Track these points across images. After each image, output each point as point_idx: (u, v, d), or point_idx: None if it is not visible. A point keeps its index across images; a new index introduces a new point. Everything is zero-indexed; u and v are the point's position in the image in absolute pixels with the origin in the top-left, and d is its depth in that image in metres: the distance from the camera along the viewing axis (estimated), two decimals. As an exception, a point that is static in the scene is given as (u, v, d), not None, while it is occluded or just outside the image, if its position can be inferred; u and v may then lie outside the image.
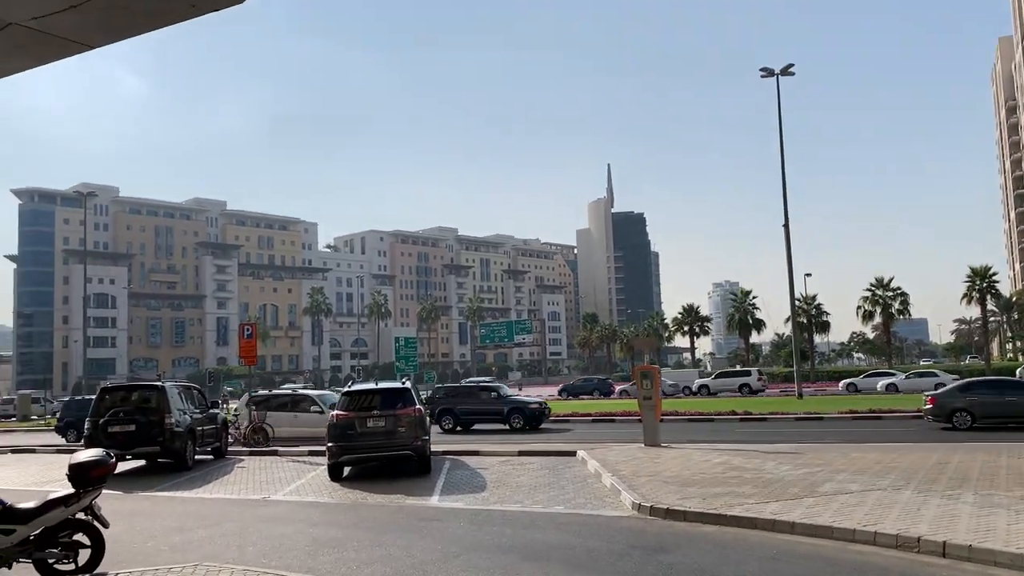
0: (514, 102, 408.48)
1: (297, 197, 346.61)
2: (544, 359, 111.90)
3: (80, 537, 8.23)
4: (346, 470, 15.90)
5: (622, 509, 11.26)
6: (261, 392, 25.69)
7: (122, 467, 18.24)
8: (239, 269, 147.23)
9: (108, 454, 8.36)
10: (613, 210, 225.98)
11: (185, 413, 18.22)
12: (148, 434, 17.01)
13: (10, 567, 7.92)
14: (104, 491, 15.54)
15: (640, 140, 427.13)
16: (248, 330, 23.02)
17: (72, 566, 8.11)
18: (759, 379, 52.57)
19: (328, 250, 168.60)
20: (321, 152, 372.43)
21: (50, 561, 8.05)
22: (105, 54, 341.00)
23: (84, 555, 8.18)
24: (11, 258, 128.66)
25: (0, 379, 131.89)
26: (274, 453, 20.61)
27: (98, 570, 8.19)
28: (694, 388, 53.05)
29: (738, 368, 64.61)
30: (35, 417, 50.32)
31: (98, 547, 8.23)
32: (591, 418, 31.69)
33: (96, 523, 8.23)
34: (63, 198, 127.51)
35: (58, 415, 36.14)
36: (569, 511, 11.33)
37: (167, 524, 11.32)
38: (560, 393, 59.70)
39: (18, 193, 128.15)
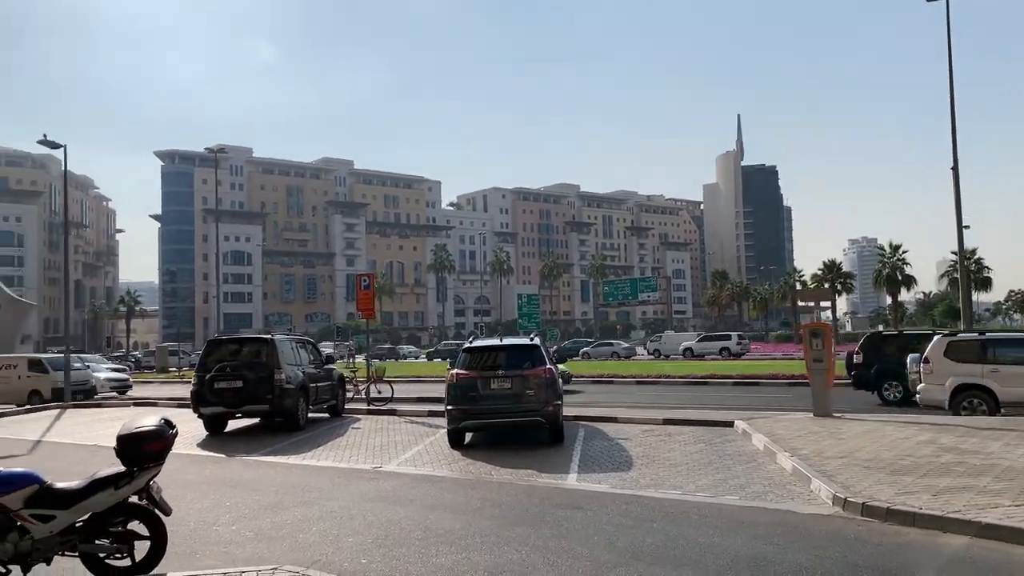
0: (638, 53, 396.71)
1: (421, 156, 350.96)
2: (669, 317, 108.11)
3: (136, 526, 6.53)
4: (467, 436, 14.01)
5: (817, 504, 8.75)
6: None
7: (232, 425, 17.12)
8: (366, 227, 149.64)
9: (167, 424, 6.56)
10: (743, 163, 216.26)
11: (297, 368, 16.81)
12: (257, 391, 15.67)
13: (49, 562, 6.29)
14: (205, 453, 14.48)
15: (772, 89, 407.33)
16: (366, 281, 21.50)
17: (128, 561, 6.43)
18: (739, 343, 55.04)
19: (451, 208, 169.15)
20: (444, 111, 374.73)
21: (100, 555, 6.39)
22: (240, 24, 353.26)
23: (142, 548, 6.49)
24: (155, 217, 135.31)
25: (149, 332, 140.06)
26: (392, 413, 19.08)
27: (158, 570, 6.48)
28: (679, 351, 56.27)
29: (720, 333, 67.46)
30: (172, 369, 51.70)
31: (158, 538, 6.50)
32: (732, 380, 28.79)
33: (155, 509, 6.51)
34: (201, 159, 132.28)
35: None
36: (745, 503, 8.93)
37: (262, 500, 9.66)
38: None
39: (161, 155, 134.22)
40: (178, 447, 14.52)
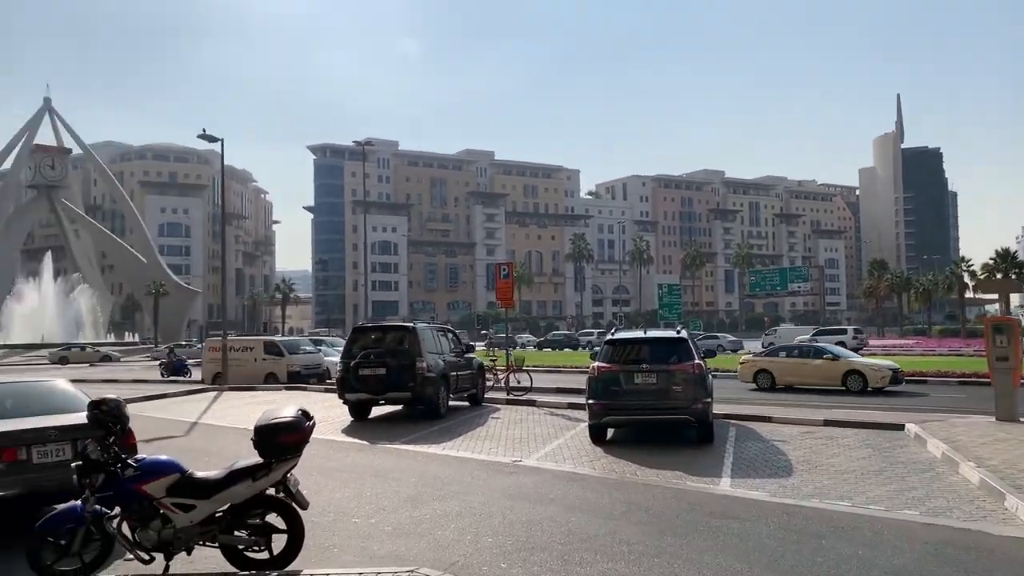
0: (784, 29, 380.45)
1: (560, 145, 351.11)
2: (821, 310, 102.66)
3: (273, 519, 6.39)
4: (609, 432, 13.44)
5: (1016, 525, 7.64)
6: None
7: (375, 412, 17.28)
8: (506, 217, 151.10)
9: (304, 415, 6.37)
10: (903, 146, 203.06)
11: (439, 357, 16.75)
12: (399, 378, 15.71)
13: (190, 552, 6.24)
14: (349, 440, 14.56)
15: (935, 64, 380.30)
16: (505, 270, 21.28)
17: (265, 554, 6.30)
18: (855, 337, 51.13)
19: (590, 197, 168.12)
20: (583, 100, 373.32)
21: (239, 547, 6.29)
22: (386, 21, 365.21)
23: (279, 541, 6.34)
24: (308, 209, 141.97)
25: (302, 318, 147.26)
26: (531, 403, 18.75)
27: (294, 564, 6.32)
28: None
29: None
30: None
31: (295, 532, 6.34)
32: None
33: (292, 502, 6.34)
34: (350, 153, 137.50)
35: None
36: (927, 519, 7.92)
37: (401, 491, 9.48)
38: None
39: (313, 149, 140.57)
40: (323, 433, 14.84)
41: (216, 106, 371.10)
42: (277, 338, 29.56)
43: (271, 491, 6.31)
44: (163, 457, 6.35)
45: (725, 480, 10.00)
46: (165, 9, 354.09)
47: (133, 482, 6.07)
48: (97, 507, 6.04)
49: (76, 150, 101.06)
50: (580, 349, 61.92)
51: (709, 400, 12.66)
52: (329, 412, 17.92)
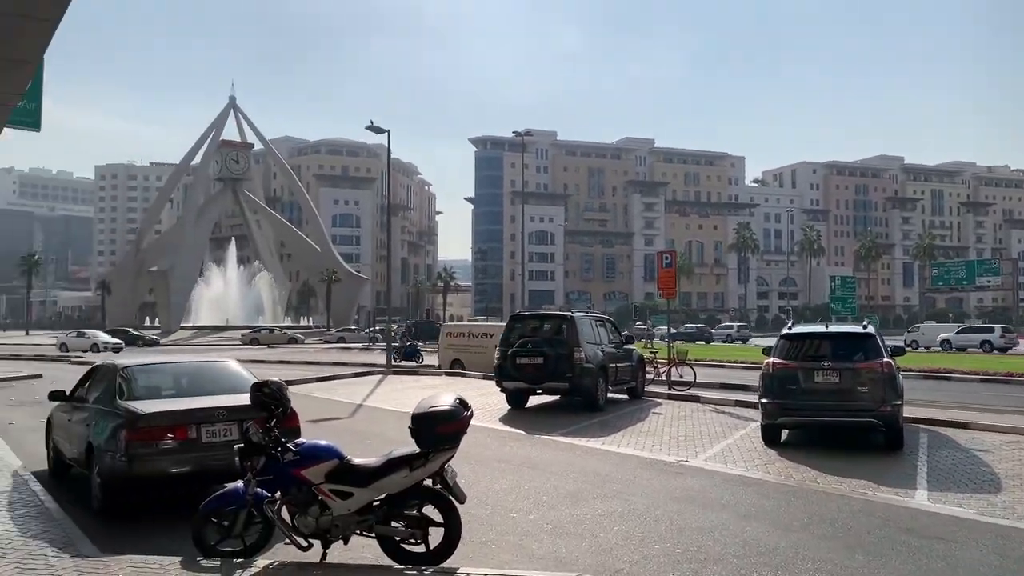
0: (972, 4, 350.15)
1: (724, 132, 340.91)
2: (1014, 306, 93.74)
3: (430, 511, 6.13)
4: (783, 433, 12.46)
5: None
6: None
7: (532, 401, 17.01)
8: (666, 206, 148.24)
9: (462, 404, 6.05)
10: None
11: (597, 347, 16.25)
12: (557, 368, 15.34)
13: (347, 541, 6.08)
14: (507, 429, 14.33)
15: None
16: (667, 259, 20.46)
17: (422, 548, 6.05)
18: (1003, 336, 47.74)
19: (755, 185, 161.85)
20: (746, 86, 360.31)
21: (396, 539, 6.07)
22: (547, 13, 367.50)
23: (436, 535, 6.08)
24: (469, 200, 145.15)
25: (462, 306, 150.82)
26: (695, 399, 17.89)
27: (451, 561, 6.03)
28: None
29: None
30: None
31: (452, 526, 6.05)
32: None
33: (449, 495, 6.05)
34: (510, 144, 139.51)
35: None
36: None
37: (560, 487, 9.07)
38: None
39: (474, 142, 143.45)
40: (481, 420, 14.70)
41: (385, 102, 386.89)
42: None
43: (428, 482, 6.06)
44: (322, 442, 6.23)
45: (921, 493, 8.91)
46: (338, 8, 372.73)
47: (292, 467, 5.98)
48: (258, 490, 6.00)
49: (258, 145, 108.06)
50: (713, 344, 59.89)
51: (900, 403, 11.44)
52: (487, 399, 17.85)
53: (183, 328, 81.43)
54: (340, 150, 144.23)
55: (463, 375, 24.57)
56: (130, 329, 68.36)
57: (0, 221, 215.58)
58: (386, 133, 27.11)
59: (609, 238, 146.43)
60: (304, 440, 6.25)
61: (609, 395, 16.74)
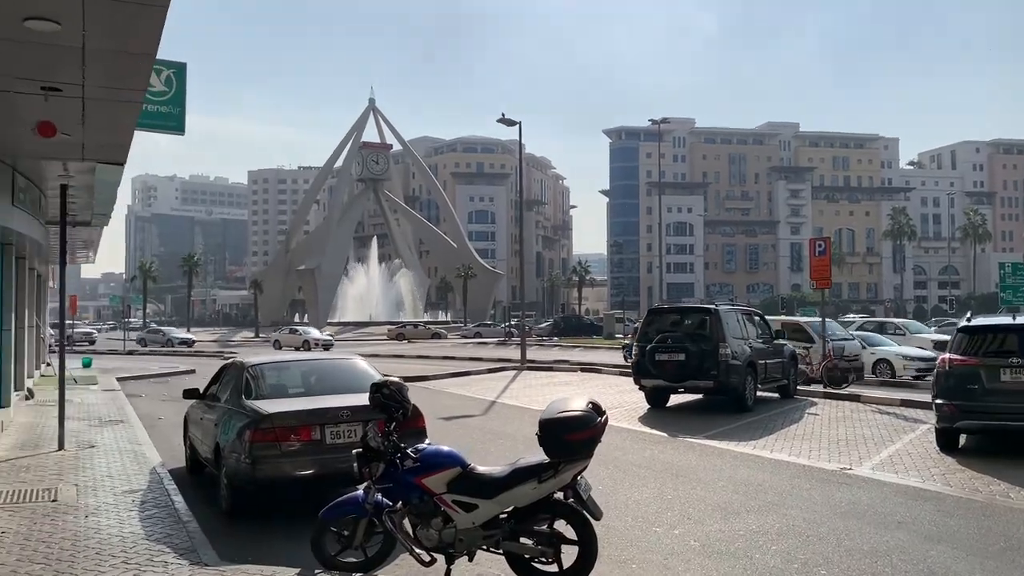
0: None
1: (874, 113, 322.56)
2: None
3: (562, 527, 5.50)
4: (962, 438, 11.04)
5: None
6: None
7: (673, 400, 16.09)
8: (812, 192, 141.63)
9: (595, 409, 5.37)
10: None
11: (744, 343, 15.15)
12: (700, 365, 14.36)
13: (471, 557, 5.54)
14: (646, 430, 13.39)
15: None
16: (821, 246, 18.97)
17: (555, 567, 5.42)
18: None
19: (911, 167, 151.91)
20: (896, 65, 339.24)
21: (525, 556, 5.48)
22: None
23: (569, 553, 5.44)
24: (604, 192, 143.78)
25: (598, 300, 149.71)
26: (855, 399, 16.42)
27: (584, 585, 5.38)
28: None
29: None
30: (619, 335, 53.68)
31: (587, 544, 5.39)
32: None
33: (583, 510, 5.39)
34: (645, 134, 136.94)
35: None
36: None
37: (708, 497, 8.24)
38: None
39: (608, 133, 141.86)
40: (619, 420, 13.94)
41: (518, 97, 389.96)
42: (803, 319, 23.41)
43: (559, 495, 5.43)
44: (445, 448, 5.72)
45: None
46: (471, 6, 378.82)
47: (412, 474, 5.50)
48: (379, 498, 5.57)
49: (397, 146, 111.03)
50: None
51: (1109, 407, 9.84)
52: (624, 397, 17.09)
53: (330, 324, 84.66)
54: (475, 147, 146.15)
55: (599, 371, 23.87)
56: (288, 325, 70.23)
57: (165, 225, 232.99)
58: (517, 125, 26.75)
59: (752, 227, 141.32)
60: (425, 445, 5.76)
61: (758, 394, 15.60)
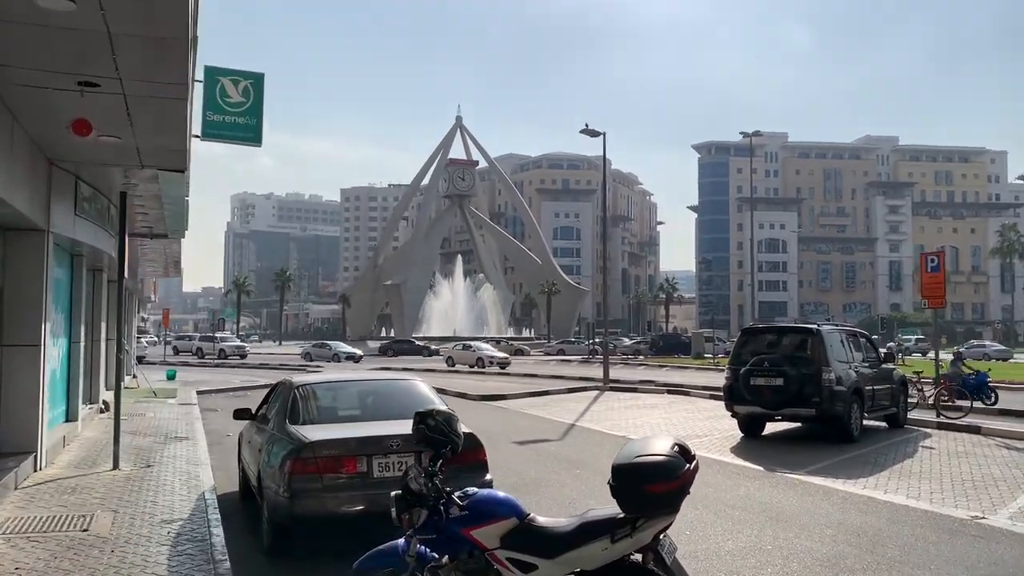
0: None
1: (980, 126, 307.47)
2: None
3: (639, 594, 4.48)
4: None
5: None
6: None
7: (770, 428, 14.76)
8: (912, 208, 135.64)
9: (682, 453, 4.34)
10: None
11: (849, 367, 13.73)
12: (800, 391, 13.03)
13: (526, 629, 4.58)
14: (740, 462, 11.91)
15: None
16: (934, 261, 17.30)
17: (635, 648, 4.42)
18: None
19: (1021, 182, 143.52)
20: (1001, 78, 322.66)
21: (595, 635, 4.49)
22: (775, 10, 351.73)
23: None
24: (692, 208, 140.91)
25: (685, 318, 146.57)
26: (974, 430, 14.73)
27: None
28: None
29: None
30: (707, 356, 51.72)
31: None
32: None
33: (666, 577, 4.37)
34: (736, 149, 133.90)
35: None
36: None
37: (815, 548, 7.05)
38: None
39: (698, 148, 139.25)
40: (708, 450, 12.73)
41: (604, 113, 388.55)
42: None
43: (636, 556, 4.43)
44: (500, 494, 4.79)
45: None
46: (555, 24, 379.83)
47: (460, 524, 4.58)
48: (422, 549, 4.68)
49: (483, 163, 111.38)
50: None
51: None
52: (715, 424, 15.84)
53: (415, 339, 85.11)
54: (561, 164, 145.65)
55: (686, 394, 22.56)
56: (414, 339, 69.16)
57: (262, 241, 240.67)
58: (602, 136, 25.76)
59: (848, 244, 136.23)
60: (475, 489, 4.84)
61: (864, 423, 14.13)
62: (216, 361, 48.16)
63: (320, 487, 6.29)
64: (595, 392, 23.71)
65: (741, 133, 60.44)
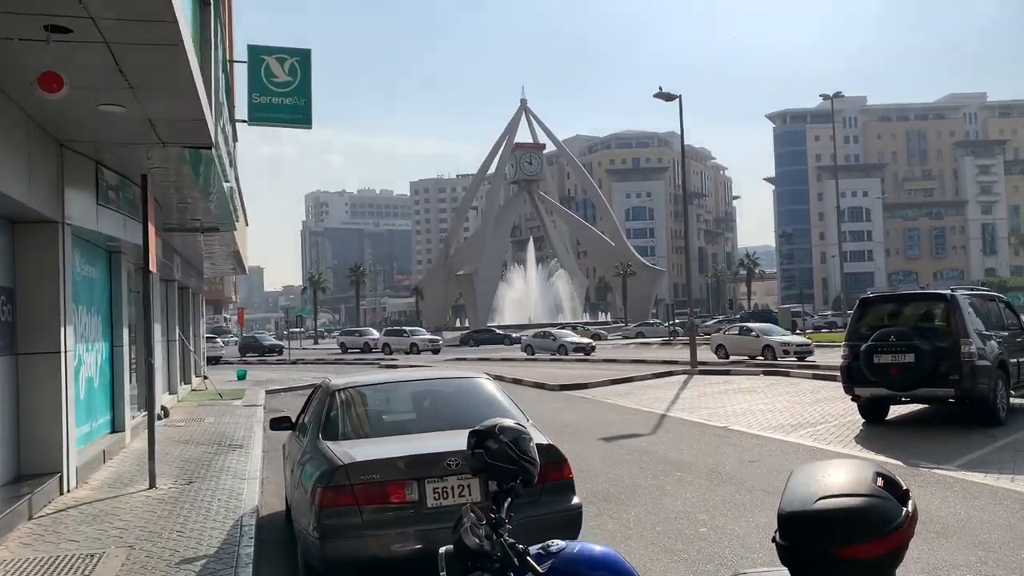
0: None
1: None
2: None
3: None
4: None
5: None
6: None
7: (894, 412, 12.82)
8: (1005, 167, 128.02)
9: (892, 489, 2.63)
10: None
11: (990, 339, 11.71)
12: (935, 368, 11.09)
13: None
14: (872, 455, 9.34)
15: None
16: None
17: None
18: None
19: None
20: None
21: None
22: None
23: None
24: (769, 180, 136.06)
25: (767, 295, 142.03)
26: None
27: None
28: None
29: None
30: (798, 332, 49.02)
31: None
32: None
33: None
34: (812, 116, 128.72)
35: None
36: None
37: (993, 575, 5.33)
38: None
39: (771, 117, 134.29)
40: (829, 441, 10.78)
41: (673, 88, 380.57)
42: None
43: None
44: (596, 549, 3.24)
45: None
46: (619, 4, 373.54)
47: (536, 595, 3.09)
48: None
49: (550, 147, 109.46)
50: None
51: None
52: (826, 409, 13.99)
53: (493, 328, 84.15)
54: (630, 142, 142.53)
55: (787, 374, 20.57)
56: (493, 328, 66.19)
57: (336, 238, 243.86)
58: (677, 99, 23.86)
59: (936, 209, 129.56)
60: (561, 543, 3.32)
61: (1012, 402, 12.10)
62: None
63: (359, 522, 4.88)
64: (683, 376, 21.93)
65: (821, 96, 57.11)
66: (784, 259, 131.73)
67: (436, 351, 48.02)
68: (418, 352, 47.86)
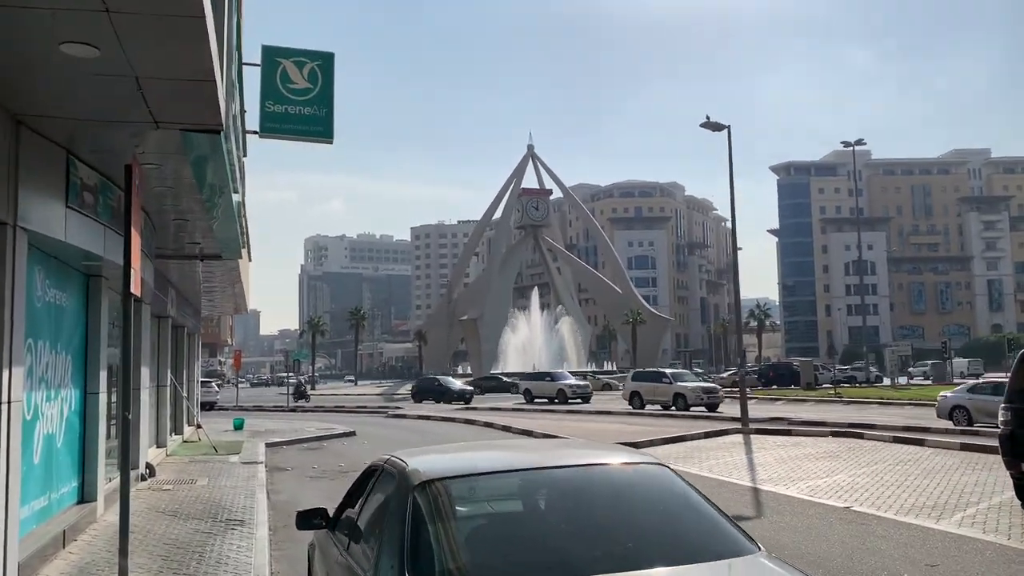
0: None
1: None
2: None
3: None
4: None
5: None
6: None
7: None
8: (1010, 223, 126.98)
9: None
10: None
11: None
12: None
13: None
14: None
15: None
16: None
17: None
18: None
19: None
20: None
21: None
22: (827, 33, 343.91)
23: None
24: (773, 232, 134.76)
25: (769, 346, 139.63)
26: None
27: None
28: None
29: None
30: (826, 385, 46.63)
31: None
32: None
33: None
34: (816, 168, 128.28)
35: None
36: None
37: None
38: None
39: (775, 169, 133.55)
40: (996, 533, 8.47)
41: (674, 142, 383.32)
42: None
43: None
44: None
45: None
46: (620, 56, 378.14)
47: None
48: None
49: (556, 193, 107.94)
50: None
51: None
52: (948, 481, 11.58)
53: (500, 375, 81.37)
54: (632, 192, 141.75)
55: (861, 436, 18.16)
56: (499, 376, 60.47)
57: (335, 282, 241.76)
58: (726, 130, 21.91)
59: (941, 264, 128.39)
60: None
61: None
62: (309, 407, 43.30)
63: None
64: (737, 436, 19.45)
65: (842, 143, 55.58)
66: (787, 311, 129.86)
67: (468, 400, 41.70)
68: (450, 402, 41.20)
